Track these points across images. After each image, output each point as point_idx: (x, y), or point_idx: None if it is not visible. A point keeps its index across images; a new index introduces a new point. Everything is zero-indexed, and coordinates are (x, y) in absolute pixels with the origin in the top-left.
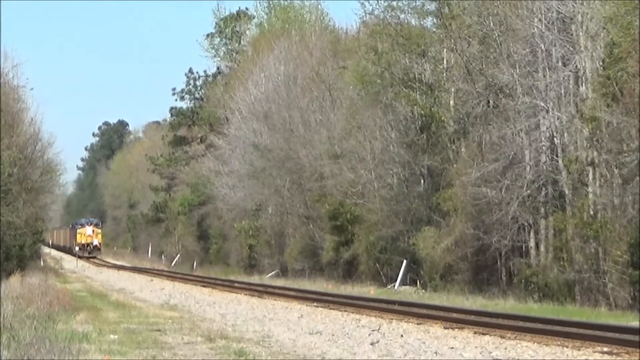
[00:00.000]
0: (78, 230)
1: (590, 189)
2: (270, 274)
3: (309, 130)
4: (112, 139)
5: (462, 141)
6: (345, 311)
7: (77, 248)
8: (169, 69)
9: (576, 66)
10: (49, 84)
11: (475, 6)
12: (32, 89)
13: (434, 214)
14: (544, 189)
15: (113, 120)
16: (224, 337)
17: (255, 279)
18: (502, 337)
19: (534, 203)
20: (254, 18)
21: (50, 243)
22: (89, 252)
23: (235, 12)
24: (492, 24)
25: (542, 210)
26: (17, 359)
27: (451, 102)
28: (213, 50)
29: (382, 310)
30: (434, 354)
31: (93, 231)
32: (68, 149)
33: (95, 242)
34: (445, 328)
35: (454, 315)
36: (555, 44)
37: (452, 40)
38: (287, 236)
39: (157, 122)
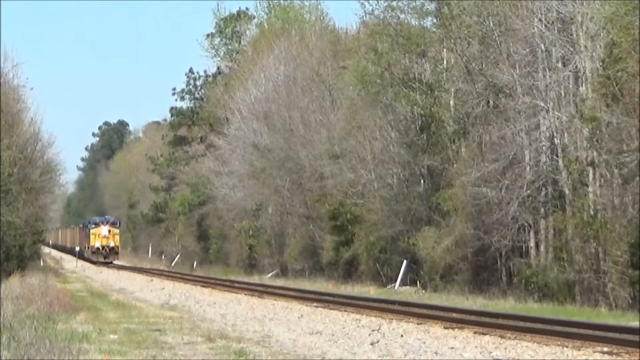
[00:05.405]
0: (91, 231)
1: (590, 189)
2: (270, 274)
3: (309, 130)
4: (112, 139)
5: (462, 141)
6: (345, 311)
7: (78, 250)
8: (169, 69)
9: (576, 66)
10: (49, 84)
11: (475, 6)
12: (32, 89)
13: (434, 214)
14: (544, 189)
15: (113, 120)
16: (224, 337)
17: (255, 279)
18: (502, 337)
19: (534, 203)
20: (254, 18)
21: (51, 244)
22: (104, 257)
23: (235, 12)
24: (492, 24)
25: (542, 210)
26: (17, 359)
27: (451, 102)
28: (213, 50)
29: (382, 310)
30: (434, 354)
31: (109, 231)
32: (68, 149)
33: (112, 245)
34: (445, 328)
35: (454, 315)
36: (555, 44)
37: (452, 40)
38: (287, 236)
39: (157, 122)
